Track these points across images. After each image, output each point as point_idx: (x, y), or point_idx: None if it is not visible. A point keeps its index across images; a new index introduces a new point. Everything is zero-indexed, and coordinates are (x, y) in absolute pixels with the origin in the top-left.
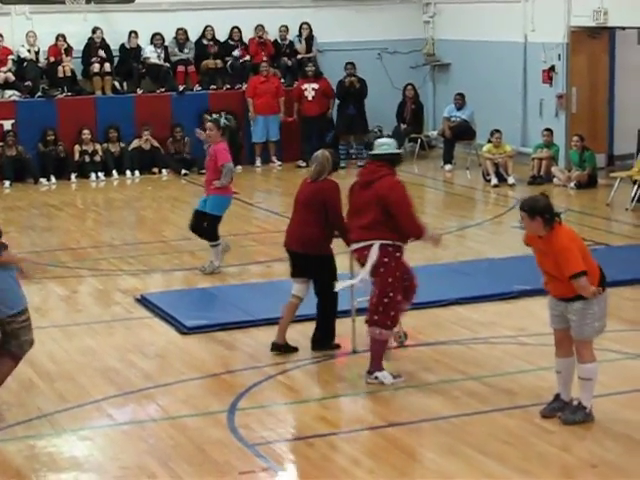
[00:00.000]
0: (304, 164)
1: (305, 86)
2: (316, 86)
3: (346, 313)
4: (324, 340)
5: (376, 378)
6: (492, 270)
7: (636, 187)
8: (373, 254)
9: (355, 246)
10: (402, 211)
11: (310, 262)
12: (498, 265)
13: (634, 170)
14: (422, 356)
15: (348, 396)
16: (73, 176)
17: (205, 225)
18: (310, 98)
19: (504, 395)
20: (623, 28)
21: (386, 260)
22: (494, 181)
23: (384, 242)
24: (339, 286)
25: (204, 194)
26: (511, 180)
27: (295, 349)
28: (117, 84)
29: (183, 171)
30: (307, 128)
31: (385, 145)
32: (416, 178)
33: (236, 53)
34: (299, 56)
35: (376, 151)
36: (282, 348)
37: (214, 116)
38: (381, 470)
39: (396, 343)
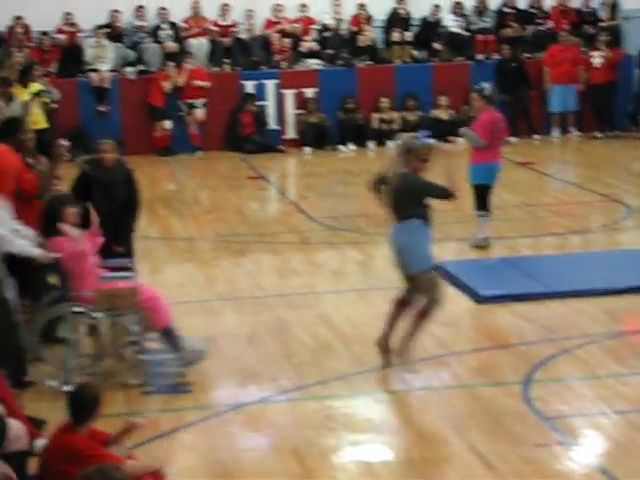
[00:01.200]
0: (600, 135)
1: (593, 53)
2: (603, 53)
3: None
4: None
5: None
6: None
7: None
8: None
9: None
10: None
11: None
12: None
13: None
14: None
15: None
16: (371, 144)
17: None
18: (597, 66)
19: None
20: None
21: None
22: None
23: None
24: None
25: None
26: None
27: None
28: (416, 53)
29: None
30: (592, 97)
31: None
32: None
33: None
34: (602, 24)
35: None
36: None
37: (478, 86)
38: None
39: None
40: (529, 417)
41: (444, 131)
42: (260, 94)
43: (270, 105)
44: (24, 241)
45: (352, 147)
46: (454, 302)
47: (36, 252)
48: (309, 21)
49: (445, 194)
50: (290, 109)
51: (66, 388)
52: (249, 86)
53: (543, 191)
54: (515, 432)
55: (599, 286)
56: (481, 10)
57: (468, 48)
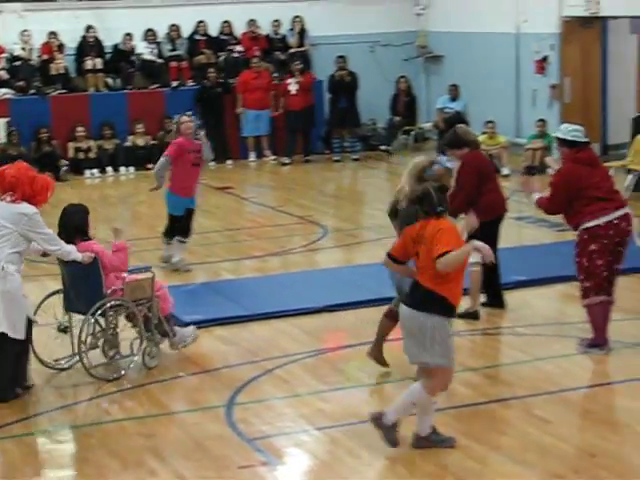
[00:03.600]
0: (288, 160)
1: (289, 80)
2: (299, 80)
3: None
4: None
5: None
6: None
7: (631, 176)
8: None
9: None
10: None
11: None
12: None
13: (628, 159)
14: None
15: (345, 389)
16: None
17: (189, 222)
18: (294, 92)
19: (502, 386)
20: (615, 17)
21: None
22: None
23: None
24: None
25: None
26: (505, 171)
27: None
28: (110, 81)
29: None
30: (291, 122)
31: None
32: None
33: (235, 49)
34: (291, 50)
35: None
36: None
37: (176, 116)
38: (379, 462)
39: None
40: (233, 440)
41: (141, 158)
42: None
43: None
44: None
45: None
46: None
47: (80, 256)
48: None
49: None
50: None
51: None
52: None
53: (242, 215)
54: (219, 456)
55: (298, 306)
56: (173, 37)
57: (162, 75)
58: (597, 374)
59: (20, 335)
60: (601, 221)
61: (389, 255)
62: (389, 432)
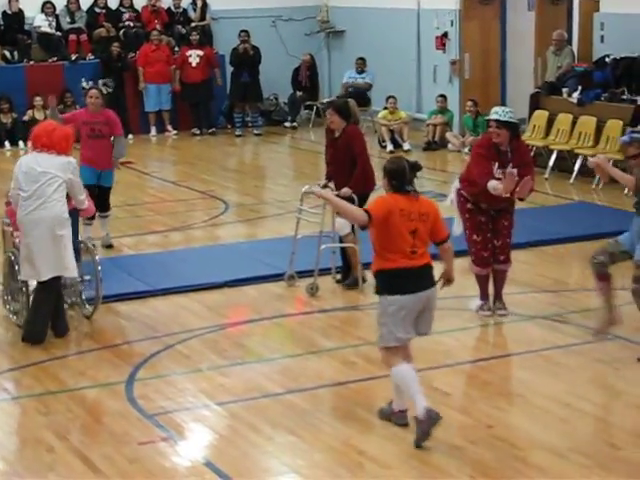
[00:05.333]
0: (198, 131)
1: (189, 52)
2: (201, 53)
3: None
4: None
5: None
6: None
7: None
8: None
9: None
10: None
11: None
12: None
13: (526, 135)
14: (319, 323)
15: (246, 364)
16: None
17: (105, 198)
18: (194, 65)
19: None
20: None
21: None
22: (390, 147)
23: None
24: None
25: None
26: (406, 146)
27: None
28: (7, 53)
29: None
30: (190, 95)
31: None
32: (312, 145)
33: (132, 23)
34: (193, 24)
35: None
36: None
37: (91, 83)
38: (279, 436)
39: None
40: (133, 416)
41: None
42: None
43: None
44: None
45: None
46: None
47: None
48: None
49: None
50: None
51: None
52: None
53: (143, 190)
54: (119, 432)
55: (199, 281)
56: (72, 10)
57: (61, 48)
58: (494, 346)
59: (75, 273)
60: None
61: None
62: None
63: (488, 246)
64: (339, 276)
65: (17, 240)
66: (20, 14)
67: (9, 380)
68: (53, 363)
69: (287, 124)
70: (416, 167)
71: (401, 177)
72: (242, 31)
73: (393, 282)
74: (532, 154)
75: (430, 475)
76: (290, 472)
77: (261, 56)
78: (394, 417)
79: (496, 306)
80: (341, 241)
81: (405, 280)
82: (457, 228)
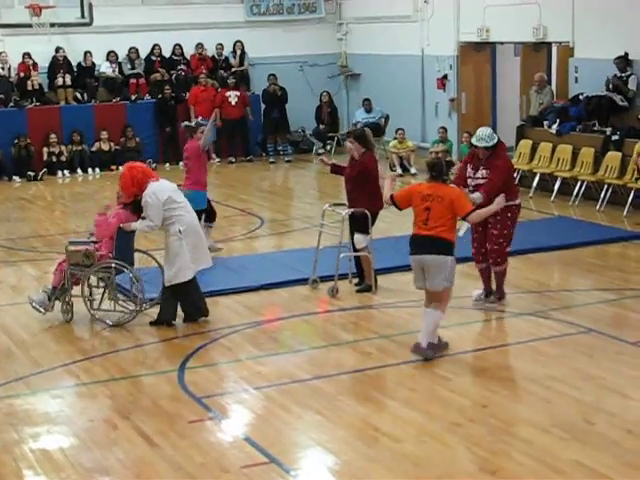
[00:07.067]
0: (233, 159)
1: (228, 93)
2: (238, 93)
3: None
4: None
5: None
6: (398, 246)
7: (517, 176)
8: None
9: None
10: None
11: None
12: (402, 242)
13: (514, 160)
14: (340, 319)
15: (279, 354)
16: (40, 174)
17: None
18: (233, 104)
19: (409, 350)
20: (502, 43)
21: None
22: (399, 171)
23: None
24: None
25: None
26: (413, 170)
27: None
28: (78, 95)
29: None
30: (228, 129)
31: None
32: None
33: (182, 69)
34: (233, 69)
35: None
36: None
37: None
38: (307, 415)
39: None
40: (184, 398)
41: (106, 161)
42: None
43: None
44: None
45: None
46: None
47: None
48: None
49: None
50: None
51: None
52: None
53: None
54: (173, 412)
55: (239, 285)
56: (132, 58)
57: (122, 90)
58: (488, 339)
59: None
60: (518, 201)
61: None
62: (430, 351)
63: (475, 246)
64: (355, 280)
65: (99, 253)
66: (92, 66)
67: (80, 369)
68: (117, 354)
69: (321, 150)
70: (450, 164)
71: (439, 170)
72: (271, 74)
73: (409, 244)
74: (518, 177)
75: (434, 447)
76: (316, 445)
77: (287, 95)
78: (438, 347)
79: (489, 299)
80: (356, 251)
81: (412, 244)
82: (462, 230)
